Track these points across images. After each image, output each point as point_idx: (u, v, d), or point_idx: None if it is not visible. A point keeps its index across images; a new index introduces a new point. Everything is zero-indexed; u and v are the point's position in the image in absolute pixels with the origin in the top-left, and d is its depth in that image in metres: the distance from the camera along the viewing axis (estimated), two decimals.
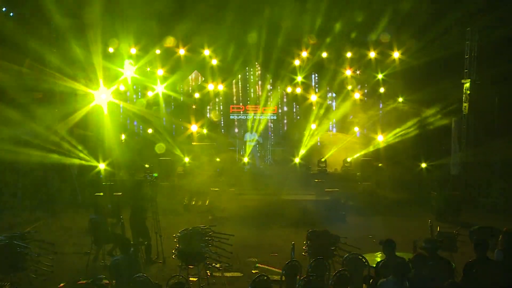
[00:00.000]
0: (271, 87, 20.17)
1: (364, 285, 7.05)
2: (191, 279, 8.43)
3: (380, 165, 16.71)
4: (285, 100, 20.33)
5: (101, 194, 12.72)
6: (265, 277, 6.54)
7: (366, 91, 19.12)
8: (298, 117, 20.56)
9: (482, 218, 12.42)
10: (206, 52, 18.33)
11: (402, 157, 16.53)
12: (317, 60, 18.61)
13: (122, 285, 6.71)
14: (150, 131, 18.71)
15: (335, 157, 17.96)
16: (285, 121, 20.86)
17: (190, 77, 20.18)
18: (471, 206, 14.42)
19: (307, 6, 16.38)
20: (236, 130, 20.39)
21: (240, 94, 20.52)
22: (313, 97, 19.26)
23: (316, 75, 20.02)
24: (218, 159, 16.87)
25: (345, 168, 17.39)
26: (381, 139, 17.69)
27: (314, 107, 19.03)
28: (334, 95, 19.78)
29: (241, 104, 20.45)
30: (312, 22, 17.05)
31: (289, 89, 19.44)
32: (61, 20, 14.45)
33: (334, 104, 19.92)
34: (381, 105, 18.49)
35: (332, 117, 19.46)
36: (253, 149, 17.98)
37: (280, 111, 20.63)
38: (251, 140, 17.96)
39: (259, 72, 20.35)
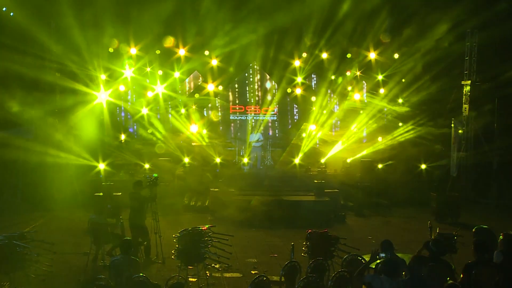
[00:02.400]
0: (270, 88, 20.13)
1: (363, 286, 7.04)
2: (190, 279, 8.45)
3: (379, 166, 16.70)
4: (288, 99, 20.26)
5: (101, 194, 12.71)
6: (265, 278, 6.53)
7: (365, 91, 19.14)
8: (298, 116, 20.52)
9: (482, 219, 12.41)
10: (206, 52, 18.34)
11: (401, 158, 16.52)
12: (317, 60, 18.61)
13: (121, 285, 6.71)
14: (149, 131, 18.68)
15: (335, 158, 17.93)
16: (288, 121, 20.81)
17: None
18: (471, 207, 14.42)
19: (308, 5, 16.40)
20: (233, 131, 20.36)
21: (237, 95, 20.45)
22: (313, 98, 19.25)
23: (316, 77, 20.01)
24: (217, 160, 16.85)
25: (344, 169, 17.38)
26: (381, 140, 17.69)
27: (314, 108, 18.99)
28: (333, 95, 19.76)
29: (237, 104, 20.37)
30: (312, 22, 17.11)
31: (289, 90, 19.41)
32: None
33: (335, 104, 19.89)
34: (385, 109, 18.46)
35: (332, 118, 19.42)
36: (257, 149, 17.87)
37: (279, 112, 20.57)
38: (254, 141, 17.85)
39: (259, 72, 20.31)
